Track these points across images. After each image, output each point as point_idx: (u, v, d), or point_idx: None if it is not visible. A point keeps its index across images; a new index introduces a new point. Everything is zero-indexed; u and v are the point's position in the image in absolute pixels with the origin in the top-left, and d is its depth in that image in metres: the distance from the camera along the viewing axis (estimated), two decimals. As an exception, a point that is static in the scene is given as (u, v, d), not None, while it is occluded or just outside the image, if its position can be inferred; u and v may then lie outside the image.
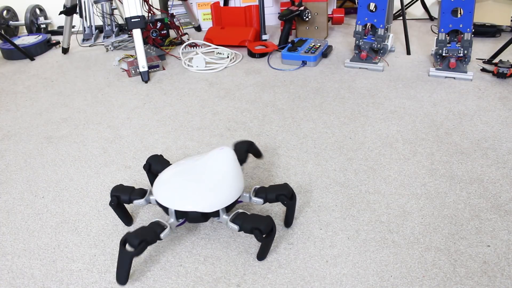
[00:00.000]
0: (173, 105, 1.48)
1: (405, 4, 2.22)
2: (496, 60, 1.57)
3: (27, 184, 1.11)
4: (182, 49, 1.98)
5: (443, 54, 1.53)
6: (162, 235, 0.78)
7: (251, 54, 1.86)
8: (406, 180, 1.02)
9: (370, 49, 1.66)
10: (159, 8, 2.26)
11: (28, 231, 0.95)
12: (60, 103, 1.57)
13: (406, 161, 1.09)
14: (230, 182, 0.82)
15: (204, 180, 0.81)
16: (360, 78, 1.58)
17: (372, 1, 1.59)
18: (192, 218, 0.81)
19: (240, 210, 0.84)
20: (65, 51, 2.10)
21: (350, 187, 1.01)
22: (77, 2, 2.05)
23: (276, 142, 1.21)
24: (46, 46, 2.18)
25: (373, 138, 1.20)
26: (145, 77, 1.68)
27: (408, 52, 1.77)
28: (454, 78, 1.51)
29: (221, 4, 2.28)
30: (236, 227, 0.81)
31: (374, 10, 1.60)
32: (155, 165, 0.94)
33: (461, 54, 1.49)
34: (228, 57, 1.84)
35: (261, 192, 0.86)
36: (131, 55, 1.95)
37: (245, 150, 0.96)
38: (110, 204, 0.88)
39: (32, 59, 2.07)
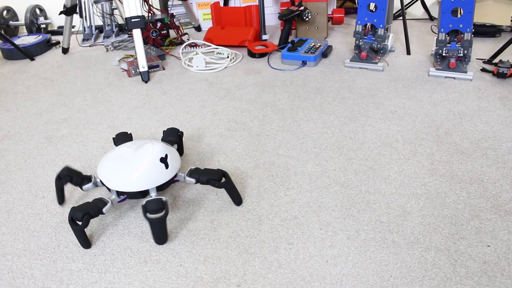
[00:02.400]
0: (173, 105, 1.48)
1: (405, 4, 2.22)
2: (496, 60, 1.57)
3: (27, 184, 1.11)
4: (182, 49, 1.98)
5: (443, 54, 1.53)
6: (104, 210, 0.87)
7: (251, 54, 1.86)
8: (406, 180, 1.02)
9: (370, 49, 1.66)
10: (159, 8, 2.26)
11: (28, 231, 0.95)
12: (60, 103, 1.57)
13: (406, 161, 1.09)
14: (160, 168, 0.92)
15: (139, 166, 0.91)
16: (360, 78, 1.58)
17: (372, 1, 1.59)
18: (131, 196, 0.93)
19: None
20: (65, 51, 2.10)
21: (350, 187, 1.01)
22: (77, 2, 2.05)
23: (276, 142, 1.21)
24: (46, 46, 2.18)
25: (373, 138, 1.20)
26: (145, 77, 1.68)
27: (408, 52, 1.77)
28: (454, 78, 1.51)
29: (221, 4, 2.28)
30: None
31: (374, 10, 1.60)
32: (120, 141, 1.08)
33: (461, 54, 1.49)
34: (228, 57, 1.84)
35: (195, 173, 0.96)
36: (131, 55, 1.95)
37: (176, 133, 1.09)
38: (59, 179, 0.94)
39: (32, 59, 2.07)
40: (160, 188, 0.94)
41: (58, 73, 1.87)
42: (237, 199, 0.98)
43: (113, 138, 1.10)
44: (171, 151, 0.96)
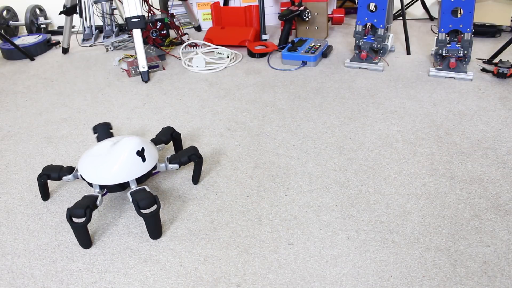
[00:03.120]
0: (173, 105, 1.48)
1: (405, 4, 2.22)
2: (496, 60, 1.57)
3: (27, 184, 1.11)
4: (182, 49, 1.98)
5: (443, 54, 1.53)
6: (97, 203, 0.91)
7: (251, 54, 1.86)
8: (406, 180, 1.02)
9: (370, 49, 1.66)
10: (159, 8, 2.26)
11: (28, 231, 0.95)
12: (60, 103, 1.57)
13: (406, 161, 1.09)
14: (138, 161, 0.96)
15: (116, 159, 0.94)
16: (360, 78, 1.58)
17: (372, 1, 1.59)
18: (110, 189, 0.96)
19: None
20: (65, 51, 2.10)
21: (350, 187, 1.01)
22: (77, 2, 2.05)
23: (276, 142, 1.21)
24: (46, 46, 2.18)
25: (373, 138, 1.20)
26: (145, 77, 1.68)
27: (408, 52, 1.77)
28: (454, 78, 1.51)
29: (221, 4, 2.28)
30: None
31: (374, 10, 1.60)
32: (101, 132, 1.12)
33: (461, 54, 1.49)
34: (228, 57, 1.84)
35: (174, 159, 1.01)
36: (131, 55, 1.95)
37: (170, 133, 1.13)
38: (39, 180, 0.99)
39: (32, 59, 2.07)
40: (139, 181, 0.97)
41: (58, 73, 1.87)
42: (197, 179, 1.06)
43: (93, 129, 1.14)
44: (148, 145, 1.00)
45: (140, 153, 0.96)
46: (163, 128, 1.14)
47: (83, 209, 0.85)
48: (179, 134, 1.15)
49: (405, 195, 0.97)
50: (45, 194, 1.04)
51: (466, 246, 0.82)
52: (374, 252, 0.83)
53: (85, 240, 0.88)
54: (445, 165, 1.06)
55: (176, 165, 1.01)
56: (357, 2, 1.72)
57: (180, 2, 2.30)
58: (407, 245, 0.84)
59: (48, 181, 1.10)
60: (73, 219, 0.86)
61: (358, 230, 0.88)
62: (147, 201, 0.87)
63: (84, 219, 0.85)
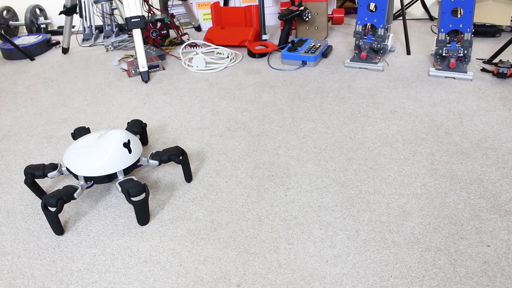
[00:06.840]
0: (173, 105, 1.48)
1: (405, 4, 2.22)
2: (496, 60, 1.57)
3: (27, 184, 1.11)
4: (182, 49, 1.98)
5: (443, 54, 1.53)
6: (75, 195, 0.92)
7: (251, 54, 1.86)
8: (406, 180, 1.02)
9: (370, 49, 1.66)
10: (159, 8, 2.26)
11: (28, 231, 0.95)
12: (60, 103, 1.57)
13: (406, 161, 1.09)
14: (125, 152, 0.98)
15: (104, 151, 0.96)
16: (360, 78, 1.58)
17: (372, 1, 1.59)
18: (98, 180, 0.97)
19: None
20: (65, 51, 2.10)
21: (350, 187, 1.01)
22: (77, 2, 2.05)
23: (276, 142, 1.21)
24: (46, 46, 2.18)
25: (373, 138, 1.20)
26: (145, 77, 1.68)
27: (408, 52, 1.77)
28: (454, 78, 1.51)
29: (221, 4, 2.28)
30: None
31: (374, 10, 1.60)
32: (79, 135, 1.13)
33: (461, 54, 1.49)
34: (228, 57, 1.84)
35: (156, 155, 1.04)
36: (131, 55, 1.95)
37: (139, 124, 1.16)
38: (26, 182, 0.98)
39: (32, 59, 2.07)
40: (126, 172, 1.00)
41: (58, 73, 1.87)
42: (188, 177, 1.06)
43: (72, 134, 1.16)
44: (133, 138, 1.02)
45: (127, 145, 0.98)
46: (131, 120, 1.17)
47: (55, 200, 0.88)
48: (145, 124, 1.19)
49: (405, 195, 0.97)
50: (40, 193, 1.04)
51: (466, 246, 0.82)
52: (374, 252, 0.83)
53: (56, 227, 0.92)
54: (445, 165, 1.06)
55: (156, 162, 1.03)
56: (357, 2, 1.72)
57: (180, 2, 2.30)
58: (407, 245, 0.84)
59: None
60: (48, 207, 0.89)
61: (358, 230, 0.88)
62: (136, 189, 0.91)
63: (55, 209, 0.88)
